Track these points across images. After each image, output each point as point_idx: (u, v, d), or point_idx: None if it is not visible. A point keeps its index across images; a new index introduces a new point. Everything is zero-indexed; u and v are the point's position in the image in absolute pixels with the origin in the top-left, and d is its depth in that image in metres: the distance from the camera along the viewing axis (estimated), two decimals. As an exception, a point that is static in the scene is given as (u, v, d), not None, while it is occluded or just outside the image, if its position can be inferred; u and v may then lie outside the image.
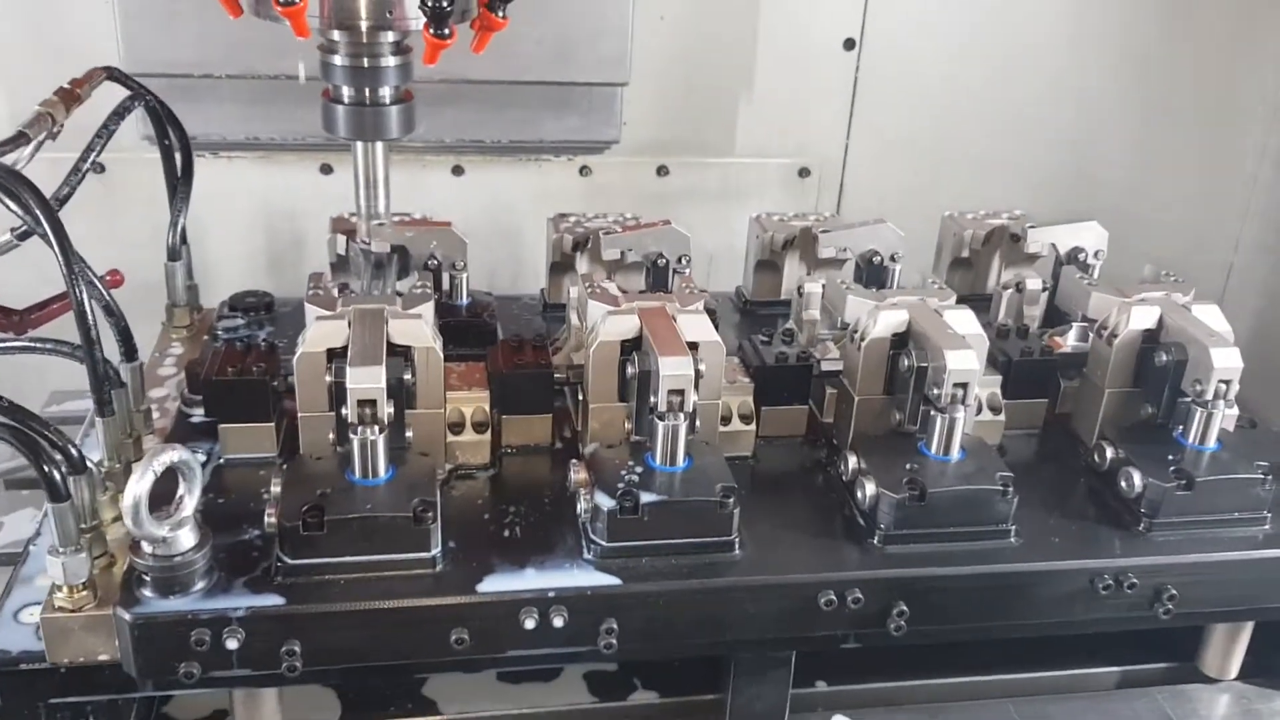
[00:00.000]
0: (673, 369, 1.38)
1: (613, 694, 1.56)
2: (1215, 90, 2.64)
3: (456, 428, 1.50)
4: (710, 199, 2.51)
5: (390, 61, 1.51)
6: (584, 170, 2.44)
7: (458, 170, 2.37)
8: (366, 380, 1.32)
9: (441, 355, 1.44)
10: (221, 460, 1.51)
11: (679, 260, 1.78)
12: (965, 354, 1.43)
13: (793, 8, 2.41)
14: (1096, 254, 1.90)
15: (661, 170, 2.49)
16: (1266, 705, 1.59)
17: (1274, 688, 1.61)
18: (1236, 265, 2.82)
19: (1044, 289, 1.84)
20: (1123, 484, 1.50)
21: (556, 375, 1.55)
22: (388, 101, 1.54)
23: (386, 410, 1.33)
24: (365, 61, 1.50)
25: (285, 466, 1.37)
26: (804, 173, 2.56)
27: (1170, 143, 2.66)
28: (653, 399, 1.39)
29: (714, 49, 2.42)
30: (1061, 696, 1.61)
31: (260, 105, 2.14)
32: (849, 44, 2.46)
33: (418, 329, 1.42)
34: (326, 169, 2.31)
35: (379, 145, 1.58)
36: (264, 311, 1.92)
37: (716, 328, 1.67)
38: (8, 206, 1.34)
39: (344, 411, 1.33)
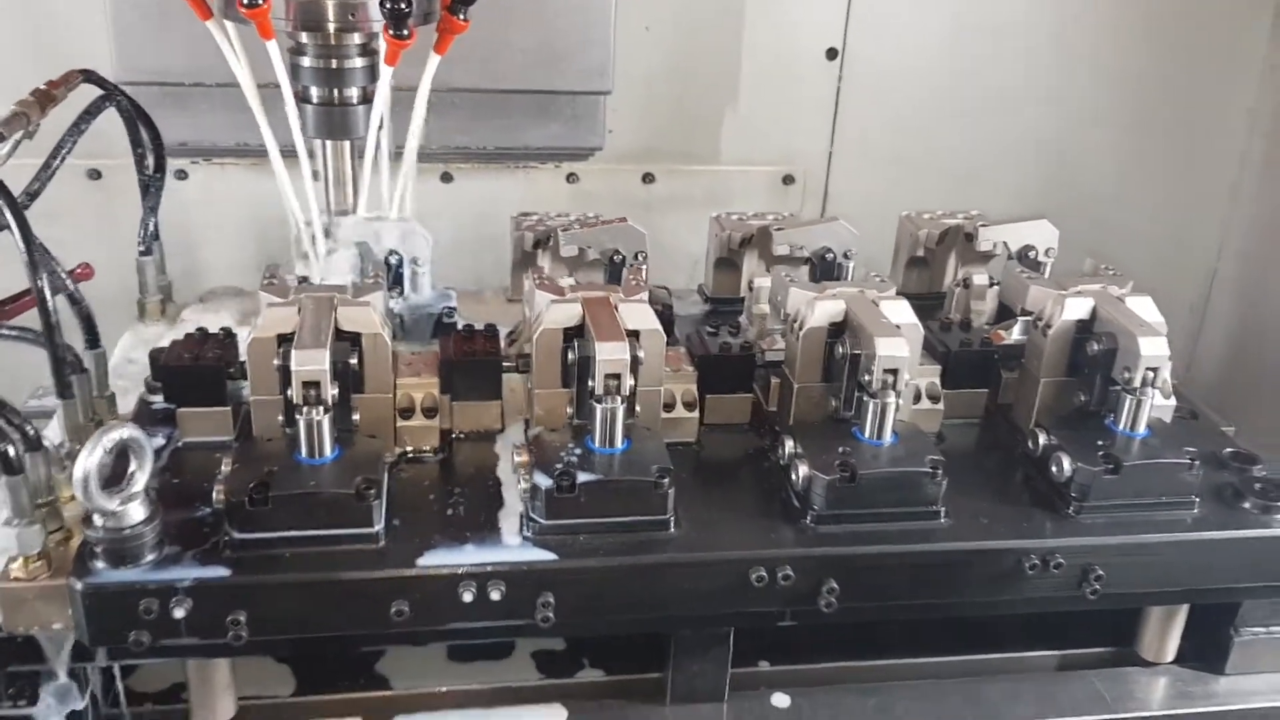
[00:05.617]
0: (609, 354, 1.43)
1: (560, 672, 1.60)
2: (1197, 99, 2.67)
3: (407, 413, 1.56)
4: (696, 206, 2.55)
5: (357, 63, 1.58)
6: (571, 177, 2.50)
7: (446, 177, 2.44)
8: (310, 363, 1.37)
9: (389, 341, 1.49)
10: (180, 444, 1.57)
11: (635, 256, 1.84)
12: (895, 341, 1.47)
13: (776, 19, 2.47)
14: (1048, 251, 1.93)
15: (648, 178, 2.54)
16: (1201, 688, 1.62)
17: (1209, 671, 1.63)
18: (1220, 273, 2.85)
19: (990, 285, 1.88)
20: (1053, 469, 1.54)
21: (506, 364, 1.61)
22: (355, 101, 1.61)
23: (331, 392, 1.39)
24: (333, 63, 1.57)
25: (237, 447, 1.43)
26: (788, 180, 2.61)
27: (1153, 151, 2.70)
28: (591, 383, 1.45)
29: (699, 59, 2.48)
30: (1000, 678, 1.64)
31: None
32: (831, 54, 2.52)
33: (366, 315, 1.48)
34: (315, 175, 2.39)
35: (346, 144, 1.65)
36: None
37: (673, 322, 1.74)
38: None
39: (289, 393, 1.39)
